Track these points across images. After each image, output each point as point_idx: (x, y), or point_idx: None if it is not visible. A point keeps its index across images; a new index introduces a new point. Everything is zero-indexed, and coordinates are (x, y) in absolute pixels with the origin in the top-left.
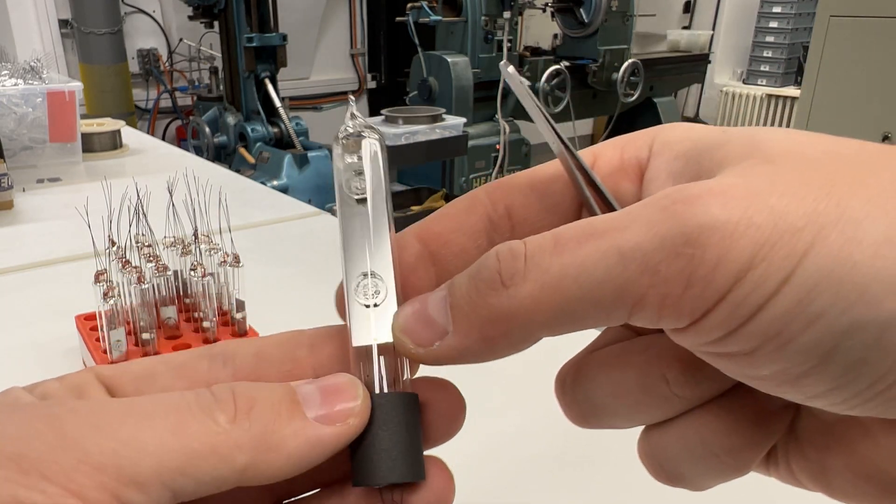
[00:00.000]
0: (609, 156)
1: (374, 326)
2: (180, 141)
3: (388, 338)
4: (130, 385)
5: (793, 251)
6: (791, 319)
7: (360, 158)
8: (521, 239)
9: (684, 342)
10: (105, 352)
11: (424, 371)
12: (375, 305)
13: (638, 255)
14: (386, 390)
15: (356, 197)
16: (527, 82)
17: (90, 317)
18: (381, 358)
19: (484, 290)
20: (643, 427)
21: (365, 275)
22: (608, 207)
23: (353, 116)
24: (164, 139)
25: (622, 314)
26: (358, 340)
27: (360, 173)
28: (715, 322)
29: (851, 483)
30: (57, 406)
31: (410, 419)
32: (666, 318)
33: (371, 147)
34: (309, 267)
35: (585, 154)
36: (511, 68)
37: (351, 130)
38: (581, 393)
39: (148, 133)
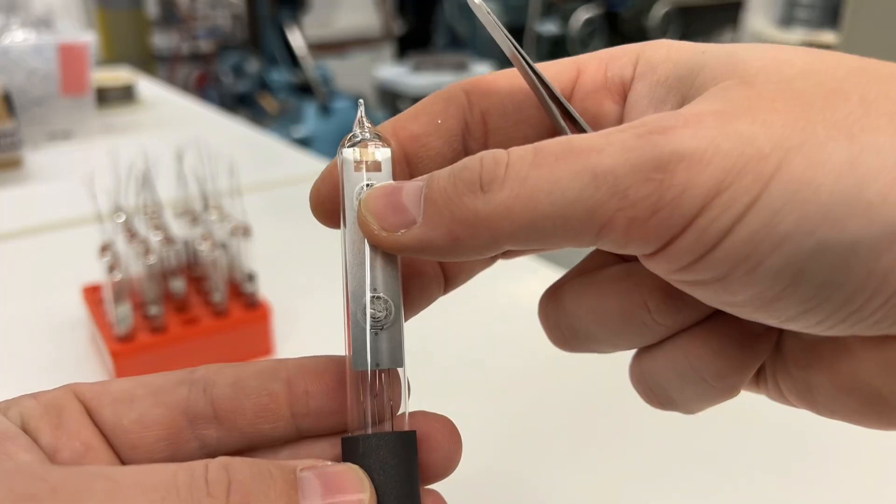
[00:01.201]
0: (593, 71)
1: (374, 352)
2: (202, 88)
3: (388, 364)
4: (108, 408)
5: (759, 176)
6: (758, 242)
7: (367, 170)
8: (503, 148)
9: (656, 269)
10: (112, 326)
11: (420, 405)
12: (380, 329)
13: (610, 178)
14: (381, 422)
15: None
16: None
17: (97, 288)
18: (382, 387)
19: (462, 190)
20: (634, 353)
21: (370, 296)
22: (579, 130)
23: (360, 124)
24: (185, 87)
25: (590, 236)
26: (357, 365)
27: (369, 186)
28: (683, 248)
29: (835, 399)
30: (38, 483)
31: (409, 458)
32: (633, 242)
33: (379, 157)
34: (329, 232)
35: (568, 66)
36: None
37: (359, 138)
38: (563, 318)
39: (168, 81)
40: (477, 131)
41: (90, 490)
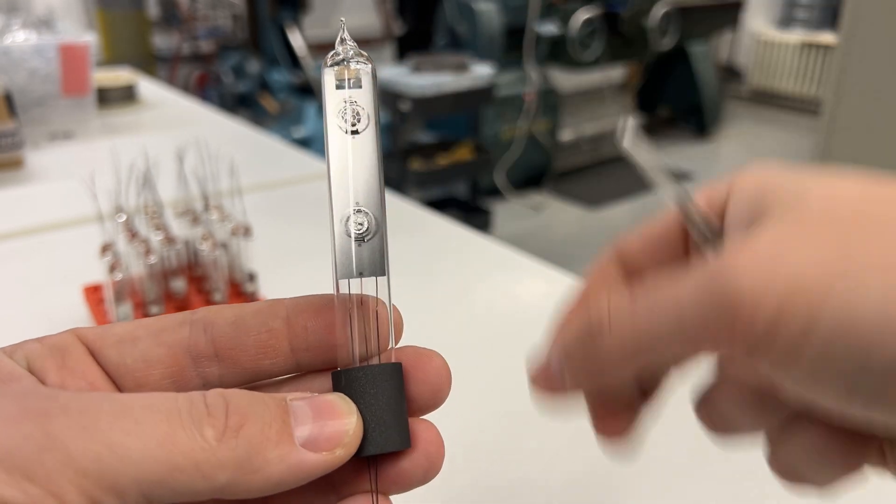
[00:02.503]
0: (705, 196)
1: (359, 261)
2: (202, 89)
3: (372, 273)
4: (112, 349)
5: (809, 306)
6: (820, 366)
7: (350, 86)
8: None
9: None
10: None
11: (410, 341)
12: (362, 240)
13: (692, 309)
14: (370, 326)
15: (347, 128)
16: (650, 154)
17: (98, 288)
18: (367, 291)
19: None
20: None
21: (353, 209)
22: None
23: (342, 41)
24: (185, 87)
25: (691, 350)
26: (342, 274)
27: (350, 102)
28: (768, 357)
29: None
30: (50, 401)
31: (395, 389)
32: (723, 350)
33: (362, 74)
34: (328, 232)
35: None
36: (630, 126)
37: (341, 56)
38: (712, 410)
39: (169, 81)
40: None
41: (98, 409)
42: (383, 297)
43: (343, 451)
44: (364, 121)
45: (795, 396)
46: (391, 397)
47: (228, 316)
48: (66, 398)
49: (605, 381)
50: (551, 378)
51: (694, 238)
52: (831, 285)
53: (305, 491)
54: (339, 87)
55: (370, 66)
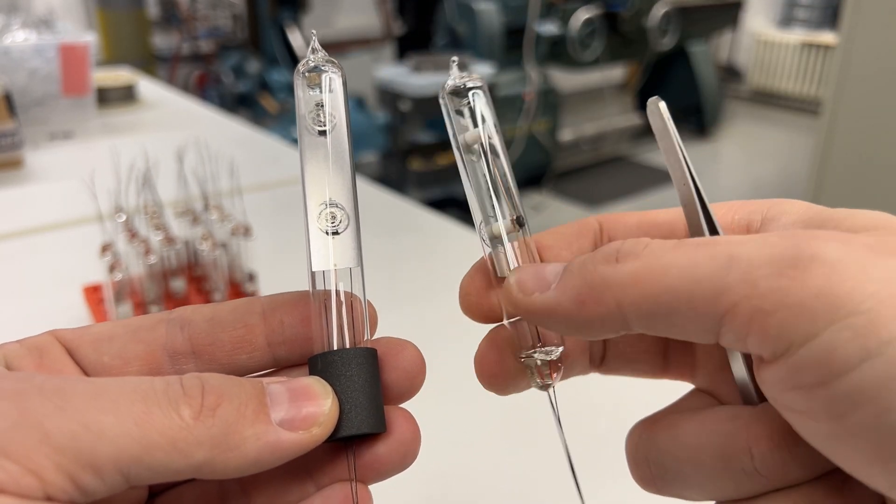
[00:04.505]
0: (720, 215)
1: (333, 253)
2: (202, 89)
3: (345, 264)
4: (89, 346)
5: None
6: (893, 385)
7: (321, 91)
8: None
9: (772, 384)
10: None
11: (400, 321)
12: (336, 233)
13: (744, 263)
14: (345, 317)
15: (318, 129)
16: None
17: (98, 288)
18: (341, 284)
19: (598, 260)
20: None
21: (326, 204)
22: None
23: (314, 51)
24: (185, 87)
25: (712, 320)
26: (317, 266)
27: (321, 106)
28: (805, 362)
29: None
30: (24, 382)
31: (369, 373)
32: (754, 336)
33: (332, 80)
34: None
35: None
36: (663, 104)
37: (312, 63)
38: (654, 452)
39: (168, 81)
40: None
41: (73, 389)
42: (358, 288)
43: (319, 431)
44: (334, 122)
45: (816, 429)
46: (366, 381)
47: (205, 313)
48: (41, 379)
49: (588, 311)
50: (540, 279)
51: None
52: None
53: (282, 480)
54: (311, 91)
55: (340, 72)
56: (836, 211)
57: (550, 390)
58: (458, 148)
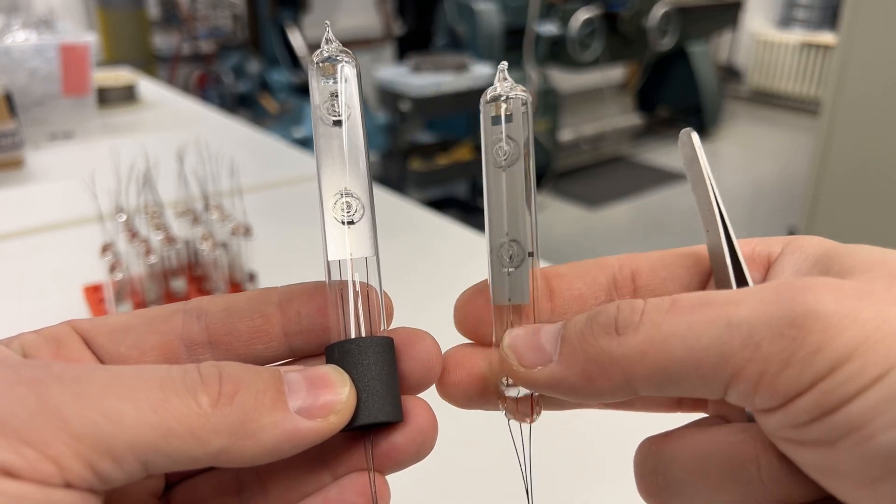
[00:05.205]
0: (742, 244)
1: (349, 242)
2: (202, 89)
3: (361, 253)
4: (105, 337)
5: (891, 352)
6: (877, 416)
7: (336, 81)
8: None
9: (768, 424)
10: None
11: (401, 322)
12: (351, 223)
13: (744, 328)
14: (361, 309)
15: (333, 119)
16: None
17: (98, 288)
18: (357, 273)
19: (597, 332)
20: None
21: (341, 193)
22: (743, 284)
23: (328, 41)
24: (185, 87)
25: (719, 385)
26: (333, 255)
27: (335, 96)
28: (803, 407)
29: None
30: (43, 370)
31: (386, 361)
32: (761, 395)
33: (346, 70)
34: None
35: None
36: (695, 135)
37: (327, 54)
38: (662, 463)
39: (169, 81)
40: (625, 287)
41: (91, 377)
42: (374, 278)
43: (337, 419)
44: (349, 112)
45: (810, 455)
46: (383, 369)
47: (221, 303)
48: (60, 367)
49: (597, 386)
50: (538, 350)
51: (717, 277)
52: None
53: (299, 469)
54: (325, 81)
55: (354, 62)
56: (842, 247)
57: (523, 424)
58: (489, 163)
